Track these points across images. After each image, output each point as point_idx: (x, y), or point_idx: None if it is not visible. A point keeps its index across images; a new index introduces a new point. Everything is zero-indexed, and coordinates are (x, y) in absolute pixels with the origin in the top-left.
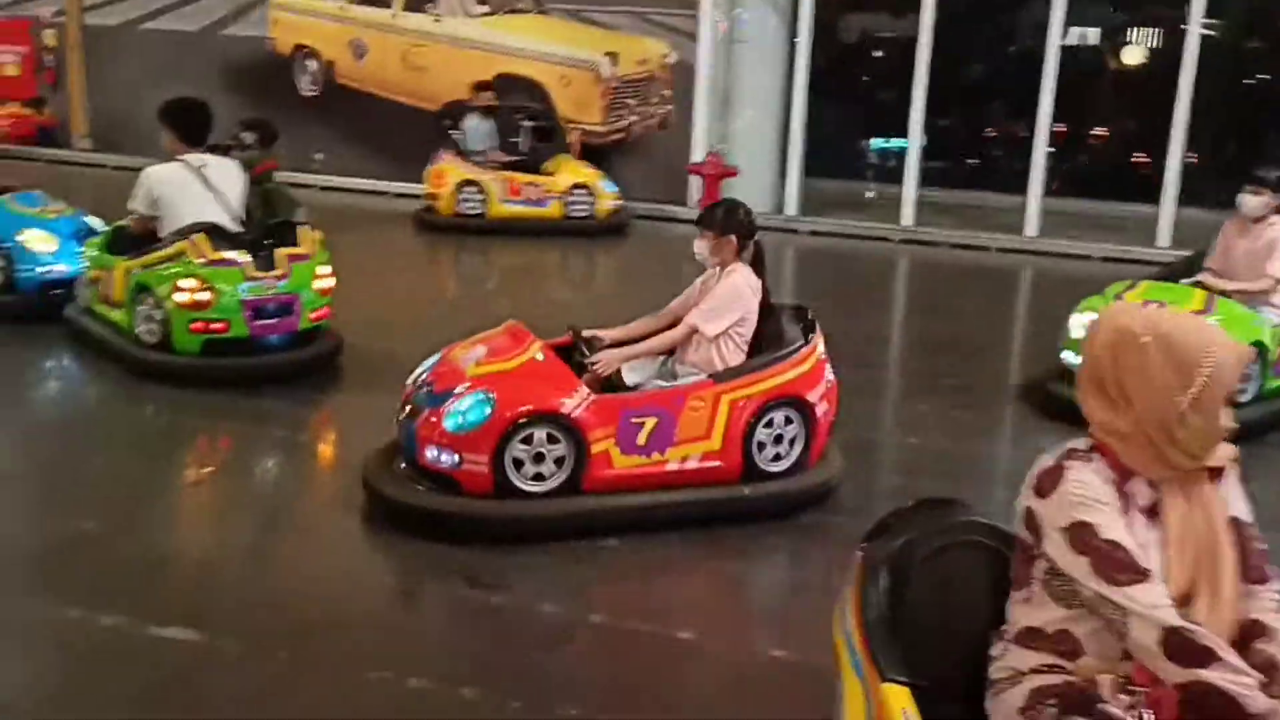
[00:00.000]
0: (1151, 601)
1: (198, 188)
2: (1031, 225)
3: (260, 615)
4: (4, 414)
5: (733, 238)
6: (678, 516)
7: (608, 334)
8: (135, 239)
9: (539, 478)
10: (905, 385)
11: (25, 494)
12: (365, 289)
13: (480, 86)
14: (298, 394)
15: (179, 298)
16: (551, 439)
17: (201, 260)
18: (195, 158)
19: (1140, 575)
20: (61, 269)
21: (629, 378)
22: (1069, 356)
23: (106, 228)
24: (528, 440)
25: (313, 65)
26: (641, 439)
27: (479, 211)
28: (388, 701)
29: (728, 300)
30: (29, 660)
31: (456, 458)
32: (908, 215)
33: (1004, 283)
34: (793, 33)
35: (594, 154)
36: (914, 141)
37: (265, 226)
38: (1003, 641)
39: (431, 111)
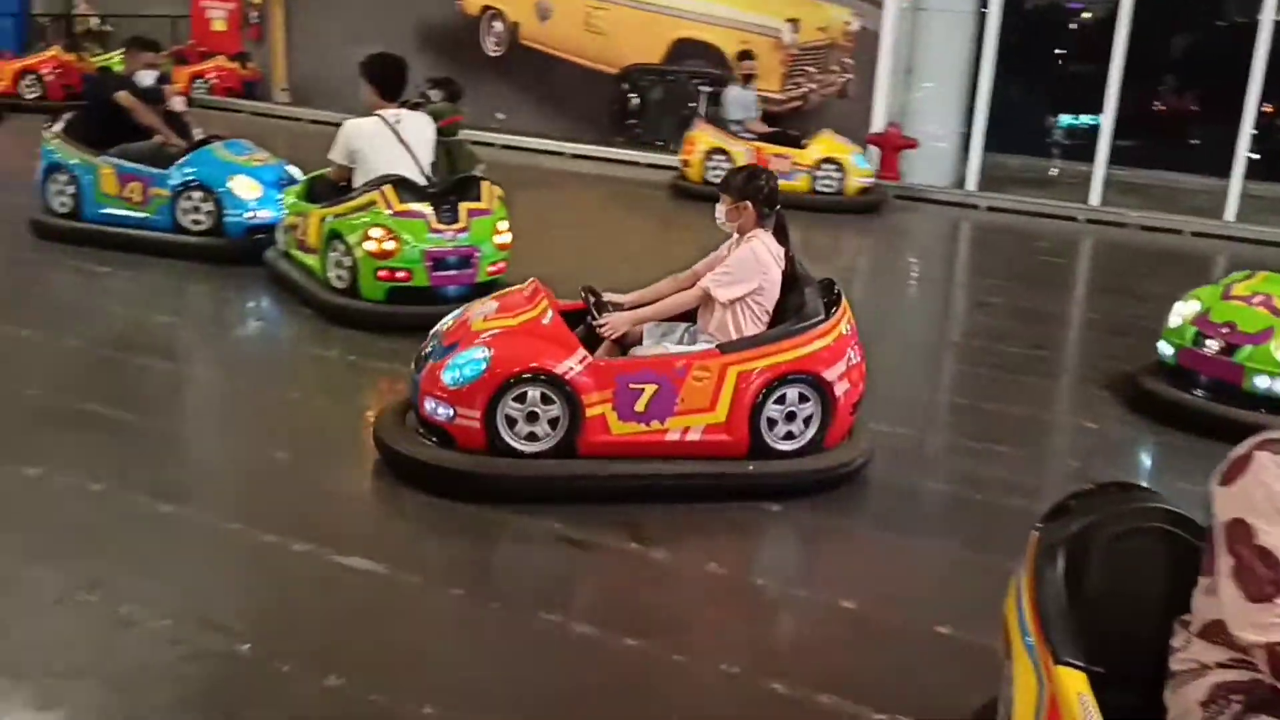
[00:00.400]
0: (1266, 621)
1: (391, 141)
2: (1230, 209)
3: (433, 550)
4: (209, 349)
5: (749, 204)
6: (678, 489)
7: (625, 297)
8: (333, 187)
9: (533, 437)
10: (1078, 367)
11: (225, 423)
12: (550, 246)
13: (742, 55)
14: None
15: (368, 246)
16: (546, 399)
17: (389, 211)
18: (391, 112)
19: (1273, 592)
20: (265, 215)
21: (648, 345)
22: (1164, 347)
23: (303, 177)
24: (521, 399)
25: (499, 26)
26: (640, 405)
27: None
28: (558, 647)
29: (742, 267)
30: (237, 583)
31: (452, 411)
32: (1095, 194)
33: (1196, 268)
34: (982, 2)
35: (770, 122)
36: (1108, 117)
37: (450, 181)
38: (1186, 632)
39: (611, 74)
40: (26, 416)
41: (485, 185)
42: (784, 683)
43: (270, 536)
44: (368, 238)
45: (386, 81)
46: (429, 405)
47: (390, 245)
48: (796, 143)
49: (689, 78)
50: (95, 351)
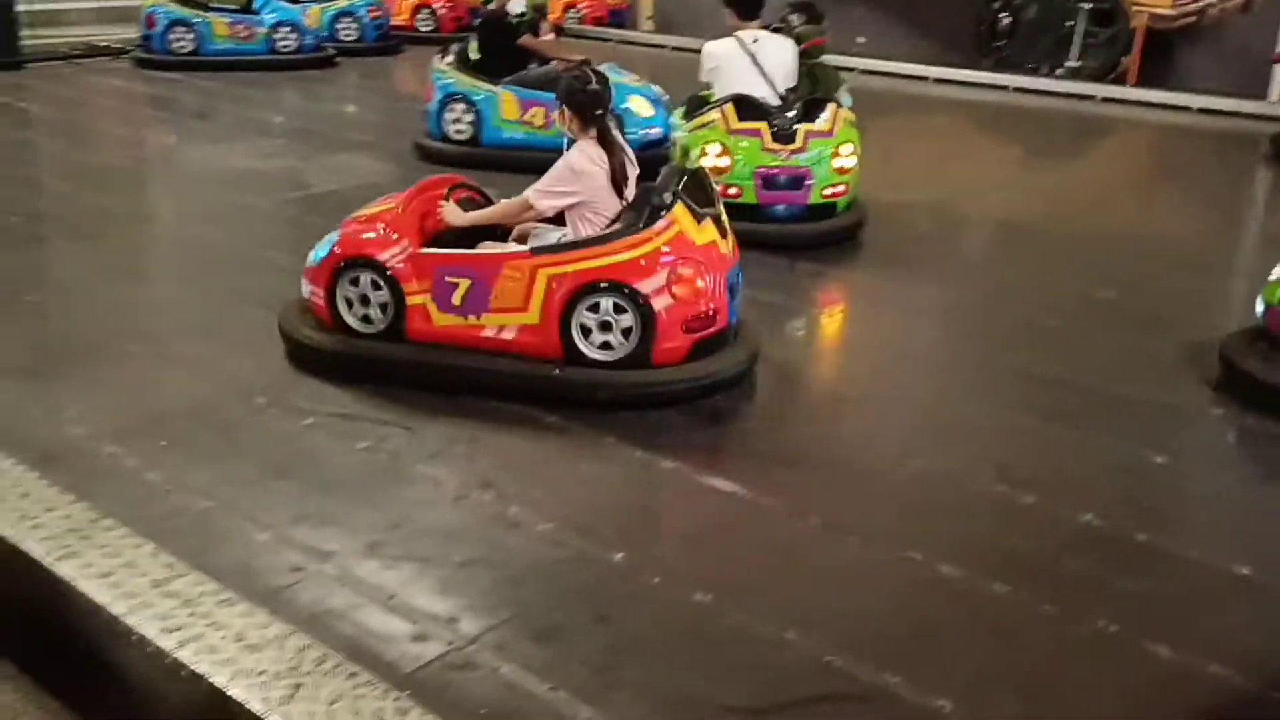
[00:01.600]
0: None
1: (745, 62)
2: None
3: (787, 477)
4: None
5: (566, 109)
6: (492, 385)
7: (493, 198)
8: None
9: (367, 320)
10: None
11: None
12: (904, 172)
13: None
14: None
15: (705, 161)
16: (375, 285)
17: (727, 128)
18: (749, 34)
19: None
20: (656, 132)
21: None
22: (1259, 306)
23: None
24: (355, 282)
25: None
26: (456, 299)
27: None
28: (914, 585)
29: (556, 175)
30: (610, 495)
31: (309, 289)
32: None
33: None
34: None
35: (1159, 40)
36: None
37: (798, 101)
38: None
39: None
40: None
41: (832, 108)
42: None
43: (639, 452)
44: (704, 153)
45: (744, 3)
46: (303, 284)
47: (724, 161)
48: None
49: None
50: None
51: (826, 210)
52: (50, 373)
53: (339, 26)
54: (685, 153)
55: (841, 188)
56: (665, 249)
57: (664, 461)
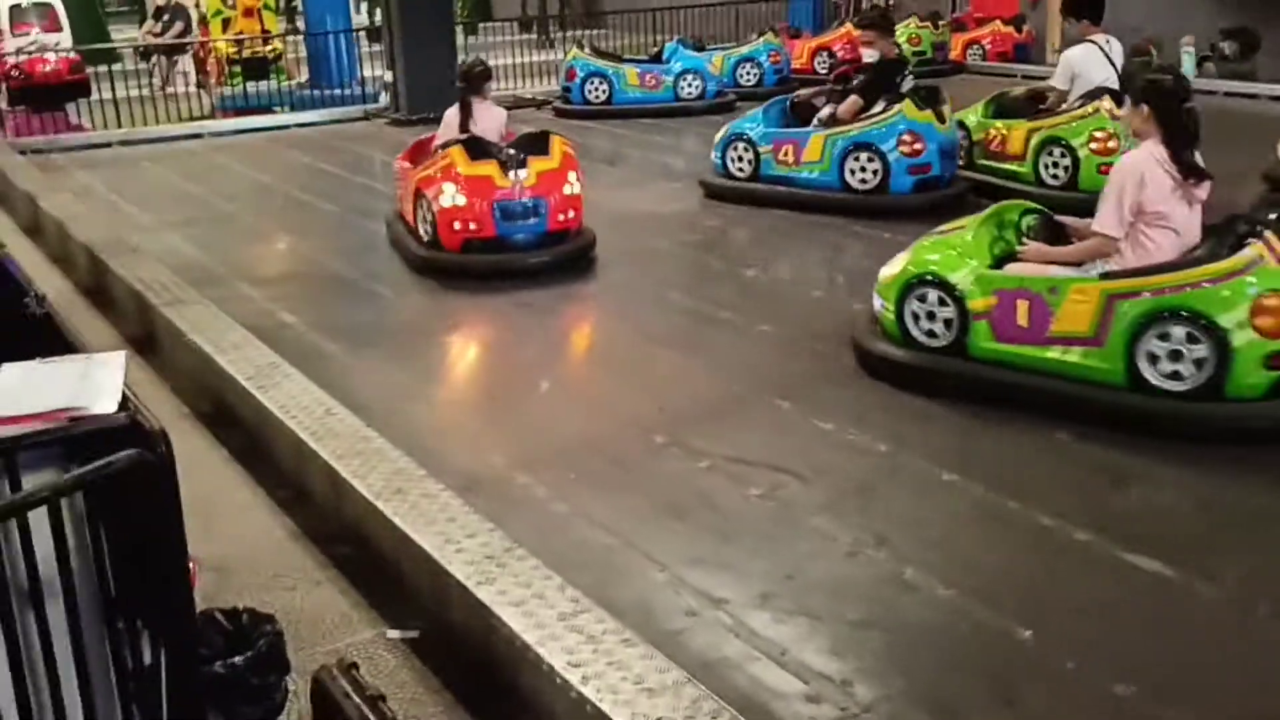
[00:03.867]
0: None
1: (1102, 61)
2: None
3: (1232, 558)
4: None
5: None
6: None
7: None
8: (1027, 105)
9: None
10: None
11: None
12: None
13: None
14: None
15: (1092, 146)
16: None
17: (1110, 116)
18: (1101, 37)
19: None
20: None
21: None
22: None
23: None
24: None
25: None
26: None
27: None
28: None
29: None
30: (1017, 567)
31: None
32: None
33: None
34: None
35: None
36: None
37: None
38: None
39: None
40: (820, 368)
41: None
42: None
43: (1048, 519)
44: (1093, 139)
45: (1092, 8)
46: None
47: (1112, 144)
48: None
49: None
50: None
51: None
52: (475, 406)
53: (740, 72)
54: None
55: None
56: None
57: (1077, 532)
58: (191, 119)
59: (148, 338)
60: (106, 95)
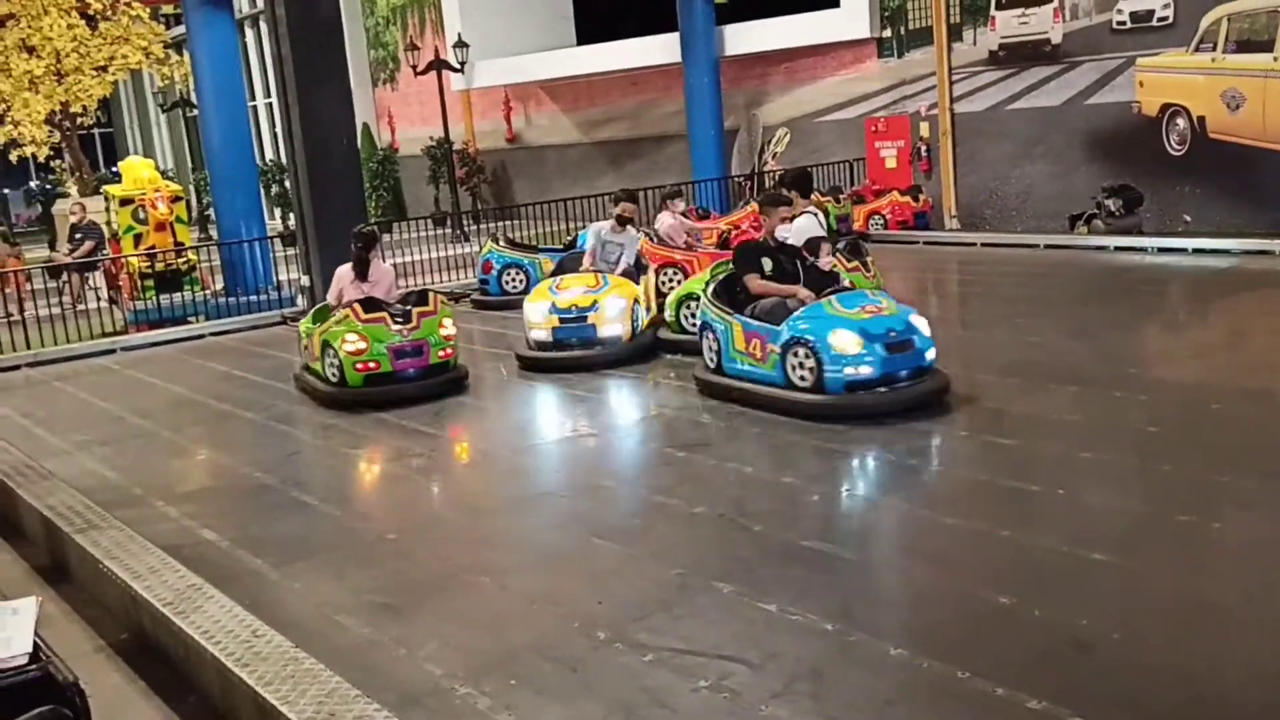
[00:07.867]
0: None
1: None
2: None
3: None
4: (906, 481)
5: None
6: None
7: None
8: None
9: None
10: None
11: (931, 560)
12: None
13: None
14: None
15: None
16: None
17: None
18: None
19: None
20: (864, 371)
21: None
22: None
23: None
24: None
25: (1181, 123)
26: None
27: None
28: None
29: None
30: None
31: None
32: None
33: None
34: None
35: None
36: None
37: None
38: None
39: None
40: (766, 550)
41: None
42: None
43: (1001, 690)
44: None
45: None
46: None
47: None
48: None
49: None
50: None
51: None
52: (408, 609)
53: None
54: None
55: None
56: None
57: (1030, 701)
58: (104, 335)
59: (59, 567)
60: (14, 316)
